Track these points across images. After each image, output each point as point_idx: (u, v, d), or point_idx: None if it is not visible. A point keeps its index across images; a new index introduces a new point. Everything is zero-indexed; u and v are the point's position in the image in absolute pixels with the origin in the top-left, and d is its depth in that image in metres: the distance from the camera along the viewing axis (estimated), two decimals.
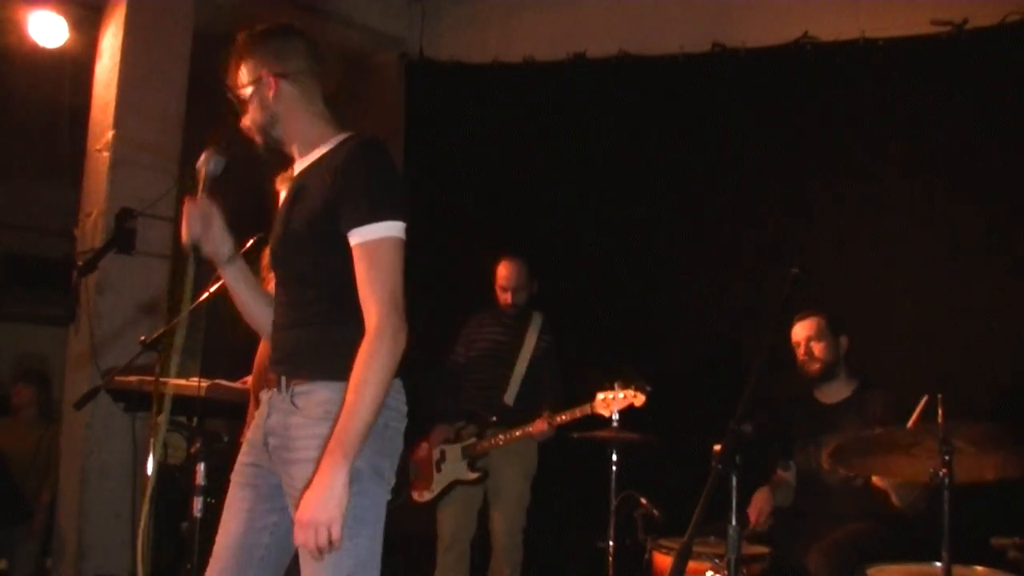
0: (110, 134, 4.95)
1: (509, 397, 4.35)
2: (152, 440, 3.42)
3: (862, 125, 4.71)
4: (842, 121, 4.75)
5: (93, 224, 4.97)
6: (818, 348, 3.67)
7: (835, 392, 3.71)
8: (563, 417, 4.08)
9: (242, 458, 2.20)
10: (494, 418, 4.31)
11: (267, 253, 2.43)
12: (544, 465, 4.34)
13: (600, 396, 3.94)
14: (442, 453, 4.35)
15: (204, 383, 3.37)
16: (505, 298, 4.43)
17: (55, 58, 5.41)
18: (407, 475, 4.42)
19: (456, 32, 5.98)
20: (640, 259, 5.17)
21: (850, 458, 2.96)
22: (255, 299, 2.29)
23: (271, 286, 2.31)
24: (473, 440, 4.31)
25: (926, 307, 4.44)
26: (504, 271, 4.45)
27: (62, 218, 5.57)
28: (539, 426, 4.12)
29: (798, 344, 3.71)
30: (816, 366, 3.68)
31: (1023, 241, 4.29)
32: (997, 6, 4.38)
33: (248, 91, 2.18)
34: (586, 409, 4.00)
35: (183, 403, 3.40)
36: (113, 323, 4.85)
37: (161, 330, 3.30)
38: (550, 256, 5.13)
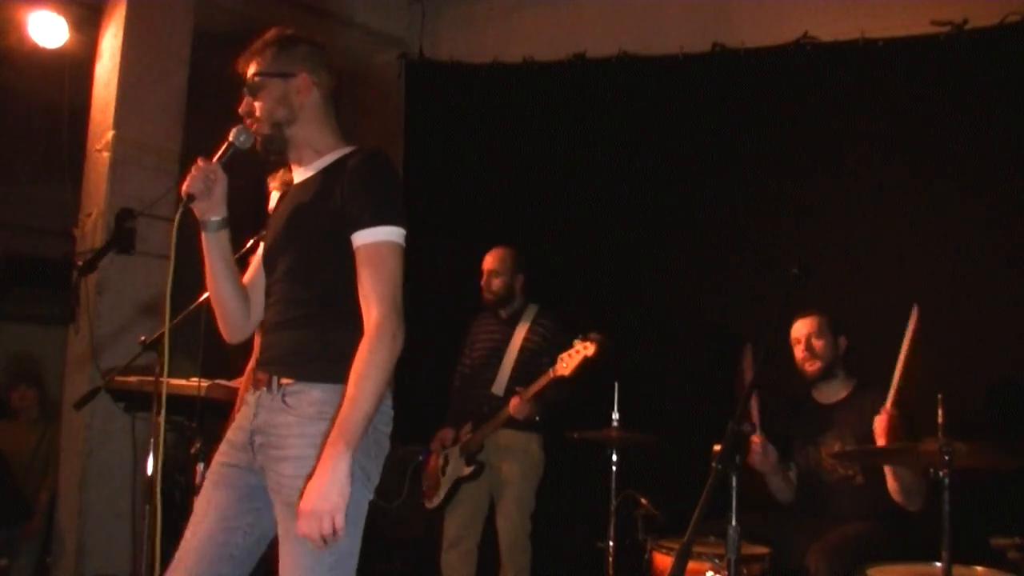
0: (110, 134, 4.96)
1: (498, 387, 4.28)
2: (152, 440, 3.42)
3: (862, 125, 4.71)
4: (842, 121, 4.74)
5: (93, 224, 4.97)
6: (819, 345, 3.66)
7: (833, 392, 3.70)
8: (533, 388, 4.02)
9: (219, 459, 2.21)
10: (485, 409, 4.24)
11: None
12: (545, 465, 4.32)
13: (559, 357, 3.90)
14: (445, 458, 4.33)
15: (204, 383, 3.37)
16: (485, 284, 4.38)
17: (55, 58, 5.40)
18: (419, 486, 4.42)
19: (456, 32, 5.97)
20: (640, 259, 5.16)
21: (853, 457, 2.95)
22: (227, 275, 2.29)
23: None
24: (469, 437, 4.28)
25: (926, 307, 4.43)
26: (488, 257, 4.42)
27: (62, 218, 5.56)
28: (513, 403, 4.06)
29: (798, 341, 3.70)
30: (817, 364, 3.66)
31: None
32: (997, 6, 4.38)
33: (272, 79, 2.20)
34: (549, 374, 3.95)
35: (183, 403, 3.41)
36: (113, 323, 4.85)
37: (162, 330, 3.29)
38: (550, 256, 5.13)
